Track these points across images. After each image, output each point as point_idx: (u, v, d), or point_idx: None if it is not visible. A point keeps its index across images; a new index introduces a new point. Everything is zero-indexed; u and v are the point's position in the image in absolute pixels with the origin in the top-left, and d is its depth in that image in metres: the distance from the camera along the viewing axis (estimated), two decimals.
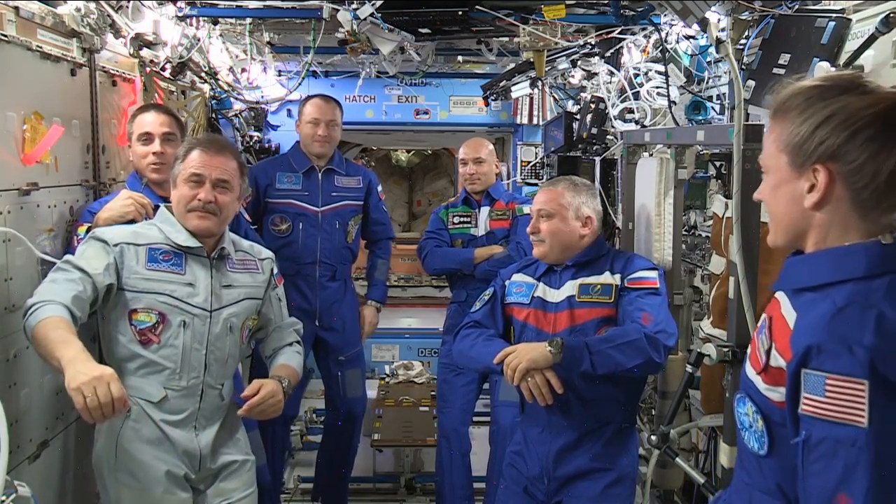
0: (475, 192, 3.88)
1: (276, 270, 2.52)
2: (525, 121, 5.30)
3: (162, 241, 2.25)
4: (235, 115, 4.82)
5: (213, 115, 4.53)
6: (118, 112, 3.08)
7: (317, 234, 3.68)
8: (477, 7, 3.02)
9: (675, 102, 3.00)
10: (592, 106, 3.64)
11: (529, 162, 5.14)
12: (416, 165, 8.99)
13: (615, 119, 3.54)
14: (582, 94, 4.36)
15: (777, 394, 1.19)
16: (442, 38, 3.70)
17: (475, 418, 3.99)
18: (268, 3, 3.25)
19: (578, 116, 3.94)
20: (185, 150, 2.32)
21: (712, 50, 2.87)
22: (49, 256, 2.32)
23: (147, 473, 2.17)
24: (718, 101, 3.01)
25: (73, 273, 2.08)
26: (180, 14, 3.29)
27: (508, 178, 5.34)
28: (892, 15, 1.97)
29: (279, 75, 4.83)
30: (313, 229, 3.68)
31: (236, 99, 4.44)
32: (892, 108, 1.13)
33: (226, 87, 4.17)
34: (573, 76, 4.41)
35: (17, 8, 2.25)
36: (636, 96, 3.46)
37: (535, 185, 4.77)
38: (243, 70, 4.33)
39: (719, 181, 2.71)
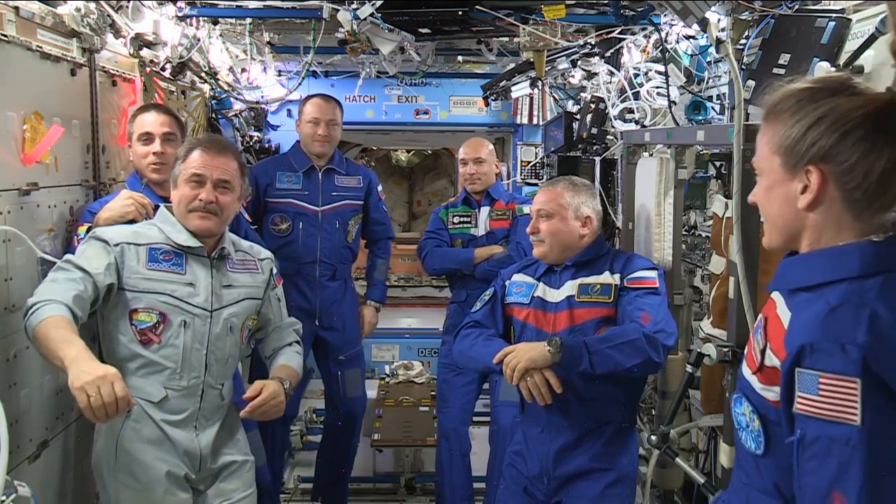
0: (475, 192, 3.88)
1: (275, 271, 2.52)
2: (525, 121, 5.30)
3: (162, 241, 2.25)
4: (235, 115, 4.83)
5: (213, 115, 4.53)
6: (118, 112, 3.08)
7: (317, 234, 3.68)
8: (477, 7, 3.02)
9: (675, 102, 3.00)
10: (592, 106, 3.64)
11: (529, 162, 5.14)
12: (416, 165, 8.99)
13: (615, 119, 3.54)
14: (582, 94, 4.36)
15: (772, 393, 1.20)
16: (442, 38, 3.70)
17: (475, 418, 3.99)
18: (268, 3, 3.25)
19: (578, 116, 3.93)
20: (186, 150, 2.32)
21: (712, 50, 2.87)
22: (49, 256, 2.32)
23: (148, 474, 2.17)
24: (718, 101, 3.01)
25: (73, 273, 2.08)
26: (180, 14, 3.29)
27: (508, 178, 5.34)
28: None
29: (279, 75, 4.83)
30: (313, 229, 3.68)
31: (236, 99, 4.44)
32: (882, 108, 1.14)
33: (226, 87, 4.17)
34: (573, 76, 4.42)
35: (17, 8, 2.25)
36: (636, 96, 3.46)
37: (535, 185, 4.77)
38: (243, 70, 4.33)
39: (719, 181, 2.71)
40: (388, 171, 8.70)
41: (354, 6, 3.06)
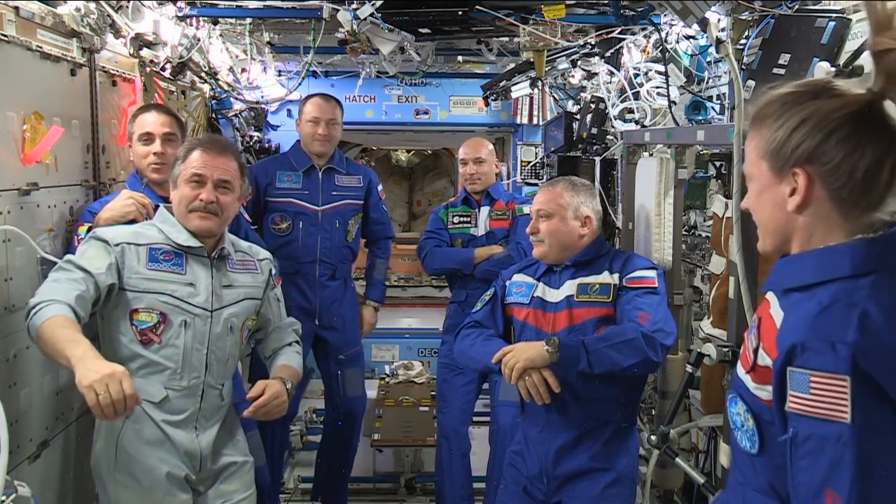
0: (475, 192, 3.88)
1: (274, 271, 2.52)
2: (525, 121, 5.30)
3: (162, 241, 2.25)
4: (235, 115, 4.82)
5: (213, 115, 4.53)
6: (118, 112, 3.08)
7: (317, 233, 3.68)
8: (477, 7, 3.02)
9: (675, 102, 3.00)
10: (592, 106, 3.64)
11: (529, 162, 5.14)
12: (416, 165, 8.99)
13: (615, 119, 3.54)
14: (582, 94, 4.36)
15: (766, 392, 1.21)
16: (442, 38, 3.70)
17: (475, 418, 4.00)
18: (268, 3, 3.25)
19: (578, 116, 3.94)
20: (186, 150, 2.32)
21: (712, 50, 2.87)
22: (50, 256, 2.32)
23: (148, 475, 2.17)
24: (718, 101, 3.01)
25: (75, 273, 2.07)
26: (180, 14, 3.29)
27: (508, 178, 5.34)
28: None
29: (279, 75, 4.83)
30: (313, 228, 3.68)
31: (236, 99, 4.44)
32: (863, 108, 1.16)
33: (226, 87, 4.17)
34: (573, 76, 4.41)
35: (17, 8, 2.25)
36: (636, 96, 3.46)
37: (535, 185, 4.77)
38: (243, 70, 4.33)
39: (719, 181, 2.71)
40: (388, 171, 8.70)
41: (354, 6, 3.06)
